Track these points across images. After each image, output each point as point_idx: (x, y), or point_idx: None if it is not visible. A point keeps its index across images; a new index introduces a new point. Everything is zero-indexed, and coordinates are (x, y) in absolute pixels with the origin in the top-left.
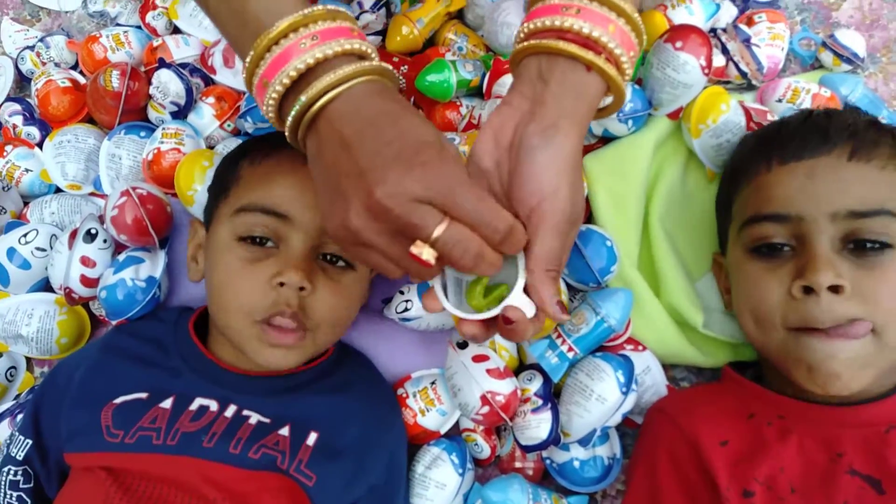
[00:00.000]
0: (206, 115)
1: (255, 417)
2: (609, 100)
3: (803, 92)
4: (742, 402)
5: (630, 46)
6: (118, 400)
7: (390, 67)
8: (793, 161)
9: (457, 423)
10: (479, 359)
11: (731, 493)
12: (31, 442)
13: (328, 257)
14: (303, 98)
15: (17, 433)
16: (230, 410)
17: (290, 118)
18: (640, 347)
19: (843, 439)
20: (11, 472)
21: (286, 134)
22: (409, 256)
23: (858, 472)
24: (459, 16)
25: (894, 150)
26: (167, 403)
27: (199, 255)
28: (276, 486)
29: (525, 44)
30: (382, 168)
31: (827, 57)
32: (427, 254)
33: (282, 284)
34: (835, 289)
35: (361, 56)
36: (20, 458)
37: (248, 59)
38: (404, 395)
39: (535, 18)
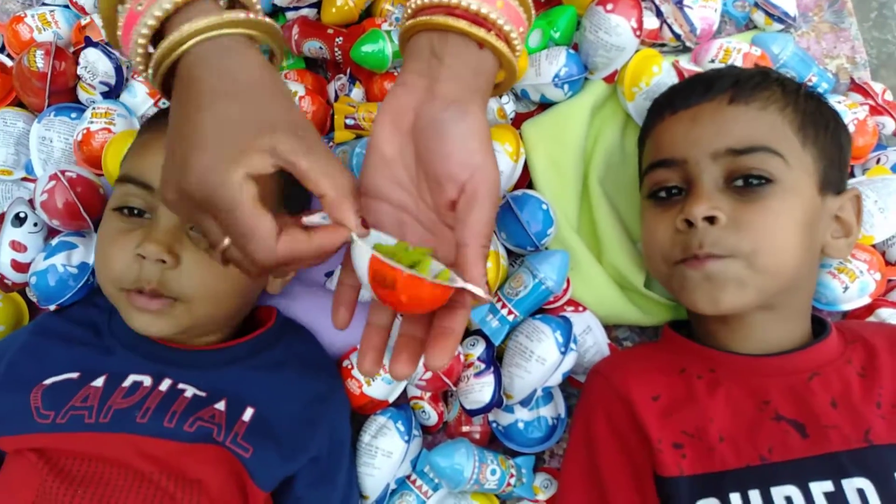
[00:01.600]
0: (139, 94)
1: (190, 391)
2: (501, 76)
3: (734, 52)
4: (675, 359)
5: (519, 22)
6: (48, 381)
7: (269, 23)
8: (681, 110)
9: (405, 392)
10: None
11: (663, 444)
12: None
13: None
14: (164, 43)
15: None
16: (165, 384)
17: (152, 61)
18: (581, 308)
19: (769, 387)
20: None
21: (151, 80)
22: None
23: (784, 416)
24: None
25: (778, 94)
26: (99, 382)
27: None
28: (213, 458)
29: (414, 20)
30: (200, 151)
31: (759, 17)
32: (215, 256)
33: (143, 257)
34: (711, 220)
35: (244, 6)
36: None
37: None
38: (349, 367)
39: None
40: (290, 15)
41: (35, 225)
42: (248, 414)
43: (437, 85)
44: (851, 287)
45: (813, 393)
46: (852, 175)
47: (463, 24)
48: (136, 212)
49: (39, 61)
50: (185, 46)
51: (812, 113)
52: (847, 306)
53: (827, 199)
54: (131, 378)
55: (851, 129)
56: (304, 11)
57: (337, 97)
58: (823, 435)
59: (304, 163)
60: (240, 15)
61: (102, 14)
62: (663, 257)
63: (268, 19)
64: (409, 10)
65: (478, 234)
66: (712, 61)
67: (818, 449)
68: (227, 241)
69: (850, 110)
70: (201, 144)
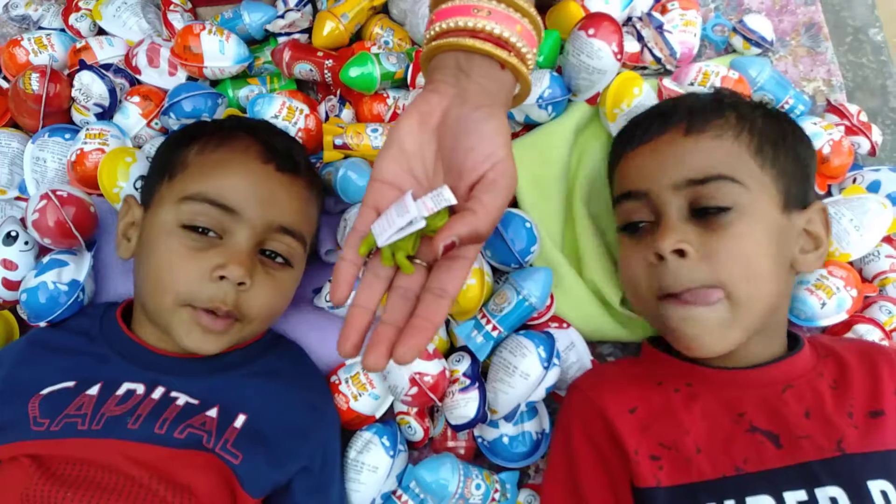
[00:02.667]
0: (132, 115)
1: (182, 399)
2: (517, 90)
3: (713, 75)
4: (653, 373)
5: (533, 43)
6: (45, 391)
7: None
8: (640, 144)
9: (391, 408)
10: None
11: (640, 456)
12: None
13: (267, 253)
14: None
15: None
16: (157, 392)
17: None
18: (565, 325)
19: (745, 400)
20: None
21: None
22: None
23: (758, 428)
24: (385, 10)
25: (732, 121)
26: (94, 390)
27: (131, 232)
28: (203, 464)
29: (439, 41)
30: None
31: (738, 41)
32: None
33: (222, 278)
34: (680, 253)
35: None
36: None
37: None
38: (337, 382)
39: (446, 18)
40: (281, 39)
41: (26, 243)
42: (240, 421)
43: (467, 94)
44: (829, 303)
45: (786, 404)
46: (829, 194)
47: (488, 47)
48: (199, 229)
49: (34, 84)
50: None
51: (769, 133)
52: (825, 322)
53: (792, 216)
54: (125, 386)
55: (827, 149)
56: (296, 35)
57: (327, 118)
58: (797, 445)
59: None
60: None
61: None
62: (642, 291)
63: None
64: (434, 33)
65: (488, 210)
66: (692, 84)
67: (792, 459)
68: None
69: (825, 131)
70: None
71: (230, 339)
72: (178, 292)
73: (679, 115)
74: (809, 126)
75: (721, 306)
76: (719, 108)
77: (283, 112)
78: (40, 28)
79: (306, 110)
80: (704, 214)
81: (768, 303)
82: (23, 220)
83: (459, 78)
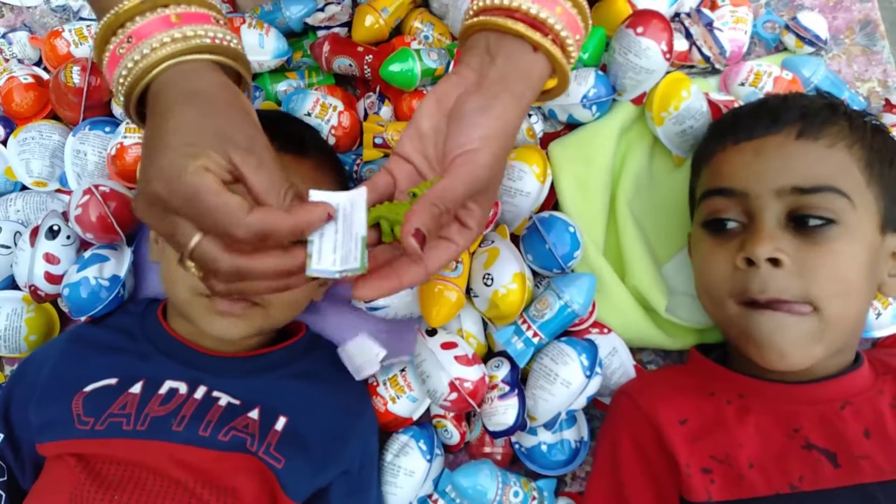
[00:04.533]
0: None
1: (224, 399)
2: (553, 83)
3: (765, 75)
4: (704, 382)
5: (576, 30)
6: (88, 388)
7: (234, 48)
8: (744, 141)
9: (427, 410)
10: (447, 346)
11: (691, 469)
12: (2, 436)
13: None
14: (131, 76)
15: None
16: (200, 392)
17: (123, 88)
18: (606, 330)
19: (800, 415)
20: None
21: (124, 108)
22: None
23: (815, 445)
24: (426, 4)
25: (846, 130)
26: (137, 388)
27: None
28: (246, 467)
29: (474, 20)
30: (162, 153)
31: (790, 39)
32: (192, 268)
33: None
34: (774, 262)
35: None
36: None
37: (94, 38)
38: (375, 384)
39: None
40: (321, 33)
41: (68, 238)
42: (281, 423)
43: (485, 80)
44: (884, 314)
45: (845, 422)
46: None
47: (520, 27)
48: None
49: (76, 77)
50: (152, 74)
51: (879, 149)
52: (879, 333)
53: (887, 238)
54: (167, 385)
55: None
56: (335, 29)
57: (366, 115)
58: (855, 465)
59: (252, 178)
60: (204, 40)
61: (95, 56)
62: (721, 294)
63: (234, 43)
64: (472, 11)
65: (434, 193)
66: (742, 84)
67: (850, 479)
68: (198, 236)
69: None
70: (162, 147)
71: (254, 324)
72: (192, 283)
73: (791, 116)
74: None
75: (810, 319)
76: (834, 113)
77: (317, 109)
78: (81, 19)
79: (340, 107)
80: (803, 225)
81: (855, 323)
82: (64, 214)
83: (484, 62)
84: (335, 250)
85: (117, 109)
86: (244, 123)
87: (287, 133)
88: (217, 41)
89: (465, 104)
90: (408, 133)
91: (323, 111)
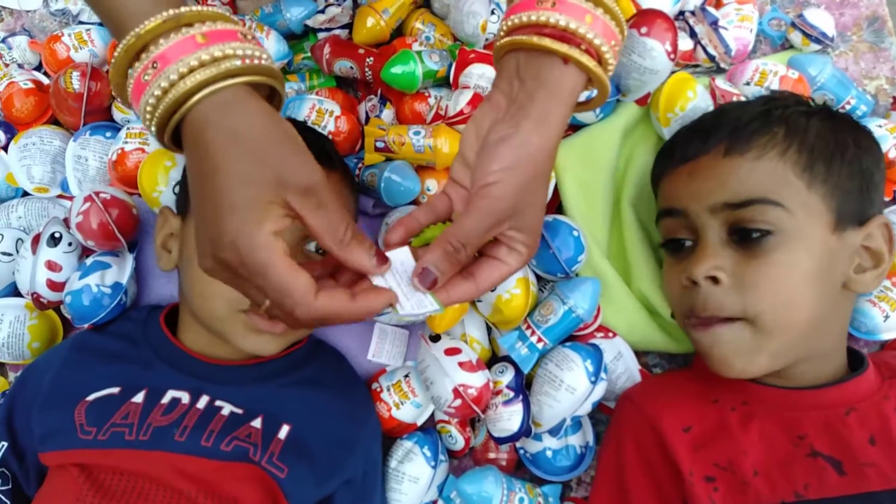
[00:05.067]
0: None
1: (227, 408)
2: (594, 93)
3: (771, 74)
4: (708, 389)
5: (610, 36)
6: (90, 397)
7: (267, 66)
8: (679, 164)
9: (432, 415)
10: (451, 352)
11: (695, 477)
12: (6, 444)
13: (318, 249)
14: (163, 106)
15: None
16: (202, 402)
17: (154, 119)
18: (611, 334)
19: (805, 422)
20: None
21: (157, 138)
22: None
23: (820, 452)
24: (427, 5)
25: (779, 137)
26: (139, 397)
27: (170, 243)
28: (249, 477)
29: (505, 40)
30: (228, 215)
31: (796, 37)
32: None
33: None
34: (714, 279)
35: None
36: None
37: (112, 63)
38: (378, 390)
39: (513, 14)
40: (321, 35)
41: (70, 245)
42: (284, 432)
43: (512, 106)
44: (892, 316)
45: (850, 429)
46: (895, 200)
47: (547, 42)
48: None
49: (76, 82)
50: (187, 105)
51: (823, 147)
52: (888, 335)
53: (846, 234)
54: (170, 394)
55: (894, 153)
56: (336, 31)
57: (368, 118)
58: (861, 473)
59: (311, 220)
60: (234, 62)
61: (113, 80)
62: (677, 311)
63: (265, 58)
64: (503, 31)
65: (451, 234)
66: (748, 83)
67: (856, 487)
68: (267, 301)
69: (891, 134)
70: (228, 208)
71: (288, 340)
72: (230, 298)
73: (720, 135)
74: (874, 129)
75: (742, 329)
76: (766, 122)
77: (313, 115)
78: (80, 23)
79: (337, 111)
80: (745, 238)
81: (803, 331)
82: (66, 221)
83: (513, 86)
84: (407, 297)
85: (118, 114)
86: (296, 160)
87: (315, 145)
88: (248, 61)
89: (491, 134)
90: (457, 160)
91: (319, 117)
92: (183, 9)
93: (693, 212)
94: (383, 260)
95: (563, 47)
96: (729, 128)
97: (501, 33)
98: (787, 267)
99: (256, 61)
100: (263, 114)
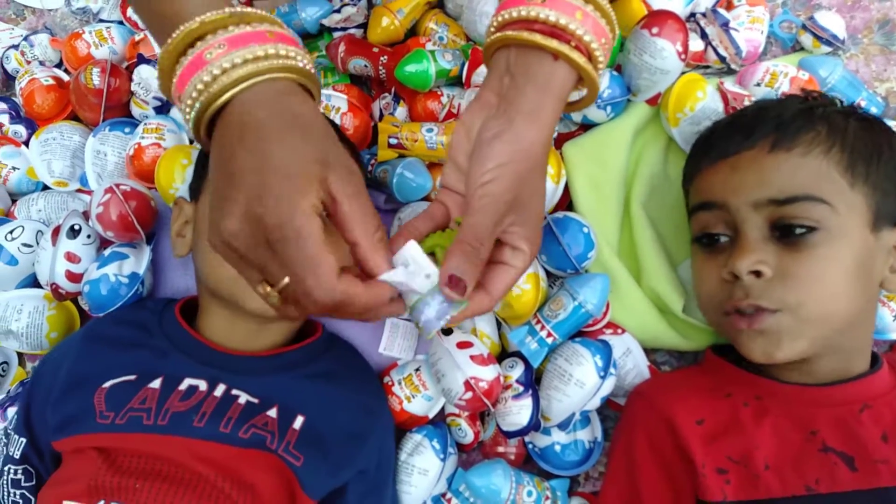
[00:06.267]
0: None
1: (244, 397)
2: (584, 92)
3: (781, 75)
4: (720, 383)
5: (601, 33)
6: (107, 384)
7: (310, 71)
8: (720, 159)
9: (442, 409)
10: (463, 345)
11: (707, 469)
12: (25, 440)
13: None
14: (202, 98)
15: (12, 432)
16: (219, 390)
17: (192, 113)
18: (620, 331)
19: (818, 418)
20: (12, 470)
21: (194, 122)
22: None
23: (832, 448)
24: (441, 5)
25: (822, 136)
26: (156, 384)
27: (185, 230)
28: (265, 463)
29: (496, 35)
30: (279, 177)
31: (807, 39)
32: (273, 298)
33: None
34: (757, 273)
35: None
36: (17, 457)
37: (157, 73)
38: (390, 383)
39: (503, 10)
40: (336, 34)
41: (88, 237)
42: (299, 422)
43: (503, 103)
44: None
45: (863, 425)
46: None
47: (537, 38)
48: None
49: (95, 78)
50: (244, 85)
51: (862, 148)
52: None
53: (882, 234)
54: (187, 381)
55: None
56: (351, 30)
57: (381, 116)
58: (873, 469)
59: (346, 206)
60: (288, 62)
61: (162, 63)
62: (713, 305)
63: (309, 65)
64: (493, 27)
65: (465, 235)
66: (758, 84)
67: (867, 483)
68: (286, 279)
69: None
70: (275, 170)
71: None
72: None
73: (765, 130)
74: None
75: (788, 318)
76: (810, 120)
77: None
78: (100, 20)
79: (344, 108)
80: (787, 234)
81: (841, 322)
82: (85, 214)
83: (503, 83)
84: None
85: (136, 110)
86: (340, 150)
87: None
88: (304, 65)
89: (483, 132)
90: (448, 166)
91: (325, 113)
92: (248, 9)
93: (734, 206)
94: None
95: (552, 43)
96: (773, 124)
97: (492, 28)
98: (830, 261)
99: (310, 67)
100: (313, 106)
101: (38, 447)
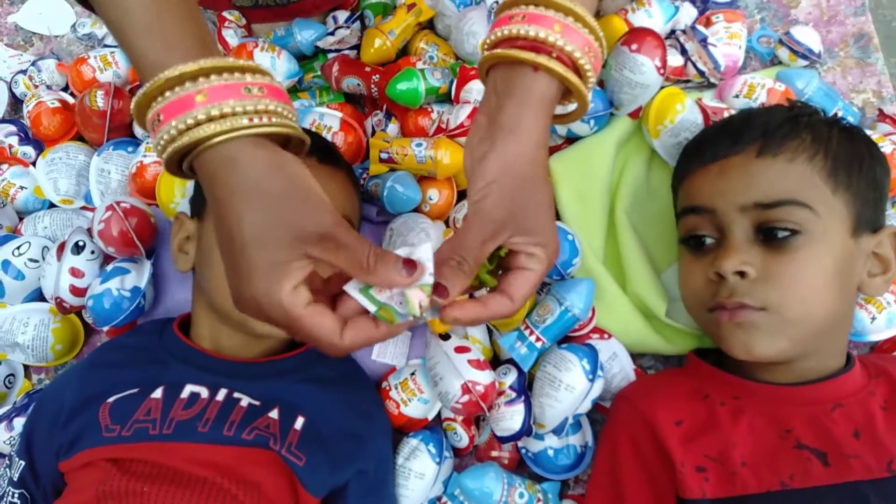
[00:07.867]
0: None
1: (245, 400)
2: (573, 106)
3: (759, 87)
4: (699, 385)
5: (584, 43)
6: (111, 399)
7: (290, 123)
8: (709, 162)
9: (438, 414)
10: (460, 350)
11: (686, 468)
12: (24, 463)
13: None
14: (177, 142)
15: (14, 455)
16: (221, 394)
17: (169, 148)
18: (606, 336)
19: (792, 416)
20: (10, 493)
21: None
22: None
23: (806, 445)
24: (430, 26)
25: (807, 143)
26: (158, 393)
27: (187, 245)
28: (269, 463)
29: (484, 56)
30: (249, 279)
31: (784, 53)
32: None
33: None
34: (741, 274)
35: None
36: (16, 480)
37: (133, 102)
38: (387, 388)
39: (492, 31)
40: (331, 55)
41: (92, 253)
42: (300, 423)
43: (492, 125)
44: (879, 318)
45: (835, 423)
46: None
47: (516, 52)
48: None
49: (100, 101)
50: (208, 144)
51: (844, 156)
52: (875, 337)
53: (861, 240)
54: (188, 389)
55: None
56: (345, 51)
57: (374, 132)
58: (845, 464)
59: (334, 261)
60: (262, 118)
61: (137, 121)
62: (698, 303)
63: (273, 109)
64: (485, 47)
65: (449, 249)
66: (737, 96)
67: (839, 477)
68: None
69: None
70: (246, 273)
71: None
72: None
73: (752, 135)
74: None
75: (767, 315)
76: (795, 127)
77: (311, 129)
78: (105, 46)
79: (336, 126)
80: (771, 236)
81: (820, 323)
82: (89, 231)
83: (491, 104)
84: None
85: (139, 130)
86: (306, 209)
87: (322, 147)
88: (255, 118)
89: (474, 153)
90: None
91: (317, 132)
92: (187, 65)
93: (721, 209)
94: (413, 267)
95: (530, 55)
96: (761, 130)
97: (484, 47)
98: (811, 264)
99: (265, 118)
100: (269, 166)
101: (36, 471)
